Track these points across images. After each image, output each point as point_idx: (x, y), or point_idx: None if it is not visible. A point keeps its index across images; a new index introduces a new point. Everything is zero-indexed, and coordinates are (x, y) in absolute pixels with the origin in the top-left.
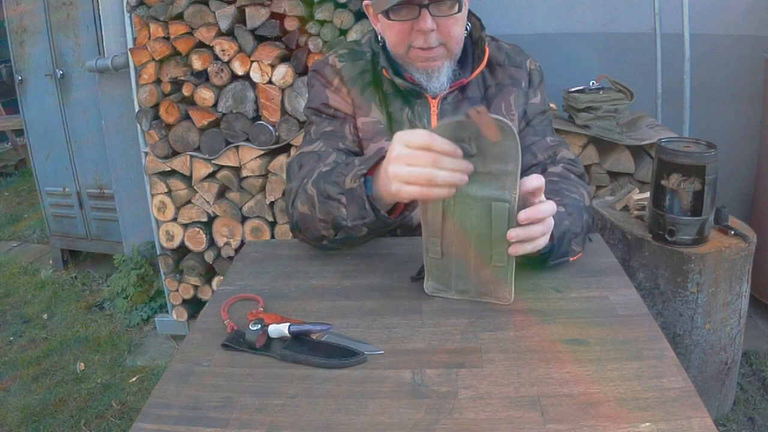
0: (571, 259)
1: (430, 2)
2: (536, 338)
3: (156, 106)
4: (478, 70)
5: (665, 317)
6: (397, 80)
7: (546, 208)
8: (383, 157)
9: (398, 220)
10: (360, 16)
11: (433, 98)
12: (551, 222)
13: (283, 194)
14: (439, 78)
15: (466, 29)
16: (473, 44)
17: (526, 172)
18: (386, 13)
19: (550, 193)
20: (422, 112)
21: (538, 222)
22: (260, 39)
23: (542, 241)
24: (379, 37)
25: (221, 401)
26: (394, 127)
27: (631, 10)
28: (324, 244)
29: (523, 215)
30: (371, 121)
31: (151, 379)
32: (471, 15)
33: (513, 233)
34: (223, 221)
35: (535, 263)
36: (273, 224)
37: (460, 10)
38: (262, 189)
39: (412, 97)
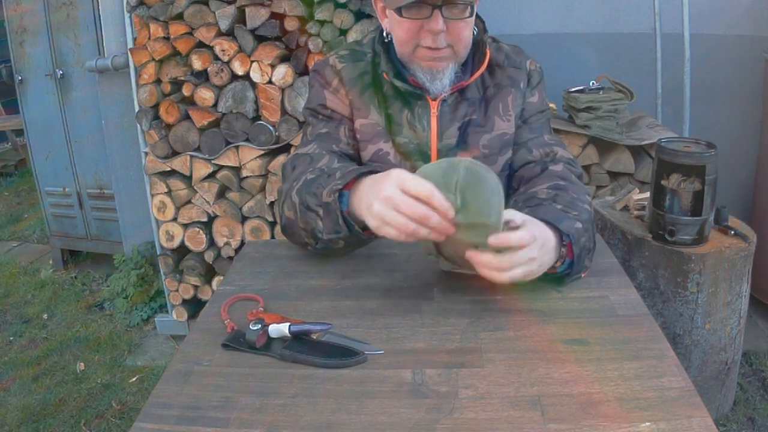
0: (583, 274)
1: (443, 3)
2: (536, 338)
3: (156, 106)
4: (477, 73)
5: (665, 317)
6: (397, 83)
7: (517, 237)
8: (362, 174)
9: (373, 237)
10: (360, 16)
11: (433, 100)
12: (531, 252)
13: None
14: (443, 80)
15: (474, 32)
16: (474, 46)
17: (522, 168)
18: (398, 10)
19: (567, 206)
20: (422, 113)
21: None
22: (260, 39)
23: (530, 268)
24: (385, 34)
25: (221, 401)
26: (393, 128)
27: (631, 10)
28: (309, 250)
29: (493, 239)
30: (370, 122)
31: (151, 379)
32: (476, 17)
33: (485, 259)
34: (223, 221)
35: (553, 281)
36: (273, 224)
37: (471, 15)
38: (262, 189)
39: (412, 98)
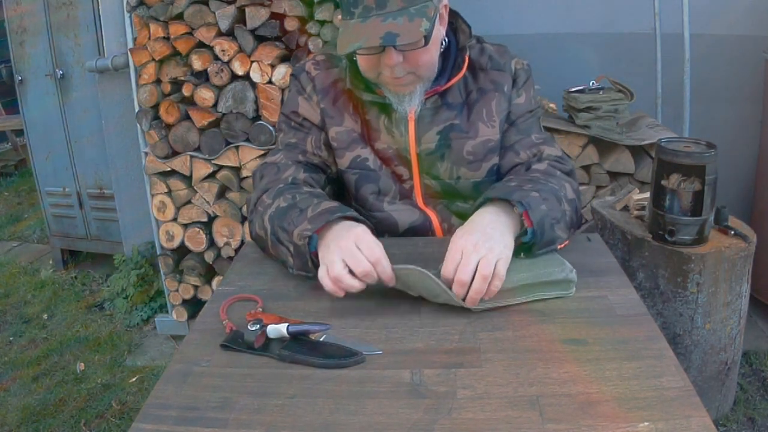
0: (559, 246)
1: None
2: (535, 338)
3: (156, 106)
4: (455, 79)
5: (665, 317)
6: (367, 96)
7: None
8: (332, 220)
9: None
10: None
11: None
12: (466, 266)
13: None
14: (411, 101)
15: (443, 43)
16: (458, 50)
17: (509, 171)
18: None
19: (527, 182)
20: (399, 119)
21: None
22: (260, 39)
23: (483, 273)
24: None
25: (220, 401)
26: (371, 134)
27: (631, 10)
28: None
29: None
30: (345, 130)
31: (151, 379)
32: (461, 22)
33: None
34: (223, 221)
35: (522, 252)
36: None
37: (427, 43)
38: None
39: (389, 103)
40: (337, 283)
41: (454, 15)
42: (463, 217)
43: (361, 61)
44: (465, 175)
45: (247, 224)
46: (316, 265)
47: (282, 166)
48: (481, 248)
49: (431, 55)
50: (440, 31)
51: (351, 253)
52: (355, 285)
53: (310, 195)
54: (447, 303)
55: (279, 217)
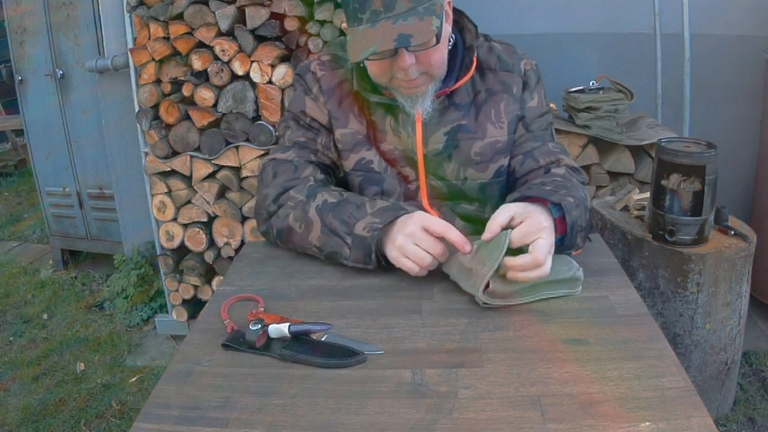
0: (573, 253)
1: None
2: (536, 338)
3: (156, 106)
4: (464, 79)
5: (665, 317)
6: (374, 98)
7: (539, 255)
8: (398, 217)
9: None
10: None
11: None
12: (547, 266)
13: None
14: (424, 103)
15: (450, 40)
16: (465, 50)
17: (527, 174)
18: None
19: (560, 187)
20: (406, 120)
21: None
22: (260, 39)
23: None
24: None
25: (221, 401)
26: (377, 136)
27: (631, 10)
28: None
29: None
30: (349, 132)
31: (151, 379)
32: (467, 21)
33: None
34: (223, 221)
35: None
36: None
37: (438, 42)
38: None
39: (396, 105)
40: (422, 263)
41: (459, 14)
42: (468, 219)
43: (372, 67)
44: (472, 176)
45: (247, 224)
46: (378, 258)
47: (298, 164)
48: (551, 246)
49: (442, 53)
50: (447, 28)
51: (419, 237)
52: (430, 262)
53: (354, 194)
54: (460, 280)
55: (333, 209)
